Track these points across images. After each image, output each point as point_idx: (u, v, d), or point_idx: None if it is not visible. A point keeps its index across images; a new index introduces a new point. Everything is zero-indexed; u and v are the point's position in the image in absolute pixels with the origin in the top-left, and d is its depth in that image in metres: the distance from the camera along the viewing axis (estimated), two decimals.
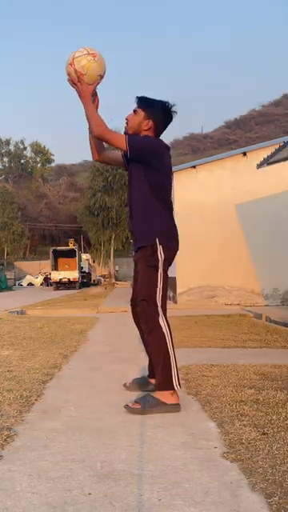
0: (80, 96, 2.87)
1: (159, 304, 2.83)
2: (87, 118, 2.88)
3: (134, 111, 2.96)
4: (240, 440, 2.19)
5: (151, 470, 1.91)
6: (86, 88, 2.85)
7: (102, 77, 2.91)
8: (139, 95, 2.97)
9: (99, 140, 2.99)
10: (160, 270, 2.85)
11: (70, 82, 2.88)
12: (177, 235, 2.97)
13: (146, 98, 2.96)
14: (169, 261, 2.91)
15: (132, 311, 3.15)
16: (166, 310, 2.93)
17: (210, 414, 2.63)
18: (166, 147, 2.99)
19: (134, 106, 2.97)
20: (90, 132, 2.92)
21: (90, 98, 2.87)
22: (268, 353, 4.74)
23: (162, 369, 2.77)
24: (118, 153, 3.10)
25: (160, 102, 2.95)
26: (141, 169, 2.88)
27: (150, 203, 2.89)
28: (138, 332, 3.16)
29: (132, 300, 3.12)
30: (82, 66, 2.82)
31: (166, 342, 2.77)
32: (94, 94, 2.92)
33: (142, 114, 2.93)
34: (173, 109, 2.96)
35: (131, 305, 3.15)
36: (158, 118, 2.93)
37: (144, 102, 2.95)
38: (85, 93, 2.85)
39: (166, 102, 2.95)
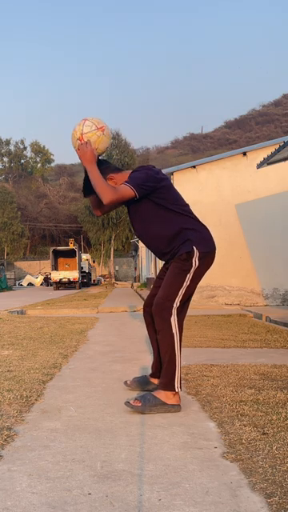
0: (84, 161, 2.84)
1: (175, 305, 2.80)
2: (93, 184, 2.83)
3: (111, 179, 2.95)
4: (240, 440, 2.19)
5: (151, 469, 1.91)
6: (91, 152, 2.81)
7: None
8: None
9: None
10: (189, 276, 2.81)
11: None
12: (210, 236, 2.94)
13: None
14: (203, 269, 2.87)
15: (144, 316, 3.14)
16: (183, 318, 2.91)
17: (210, 414, 2.63)
18: (153, 166, 2.97)
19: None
20: (100, 200, 2.86)
21: (95, 164, 2.84)
22: (268, 353, 4.75)
23: (166, 368, 2.77)
24: None
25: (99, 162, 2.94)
26: (149, 198, 2.86)
27: (174, 222, 2.86)
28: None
29: (146, 305, 3.10)
30: (94, 142, 2.82)
31: (173, 343, 2.76)
32: (97, 157, 2.90)
33: (112, 177, 2.94)
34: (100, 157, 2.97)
35: (144, 309, 3.12)
36: (109, 169, 2.95)
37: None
38: (90, 157, 2.82)
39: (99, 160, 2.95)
